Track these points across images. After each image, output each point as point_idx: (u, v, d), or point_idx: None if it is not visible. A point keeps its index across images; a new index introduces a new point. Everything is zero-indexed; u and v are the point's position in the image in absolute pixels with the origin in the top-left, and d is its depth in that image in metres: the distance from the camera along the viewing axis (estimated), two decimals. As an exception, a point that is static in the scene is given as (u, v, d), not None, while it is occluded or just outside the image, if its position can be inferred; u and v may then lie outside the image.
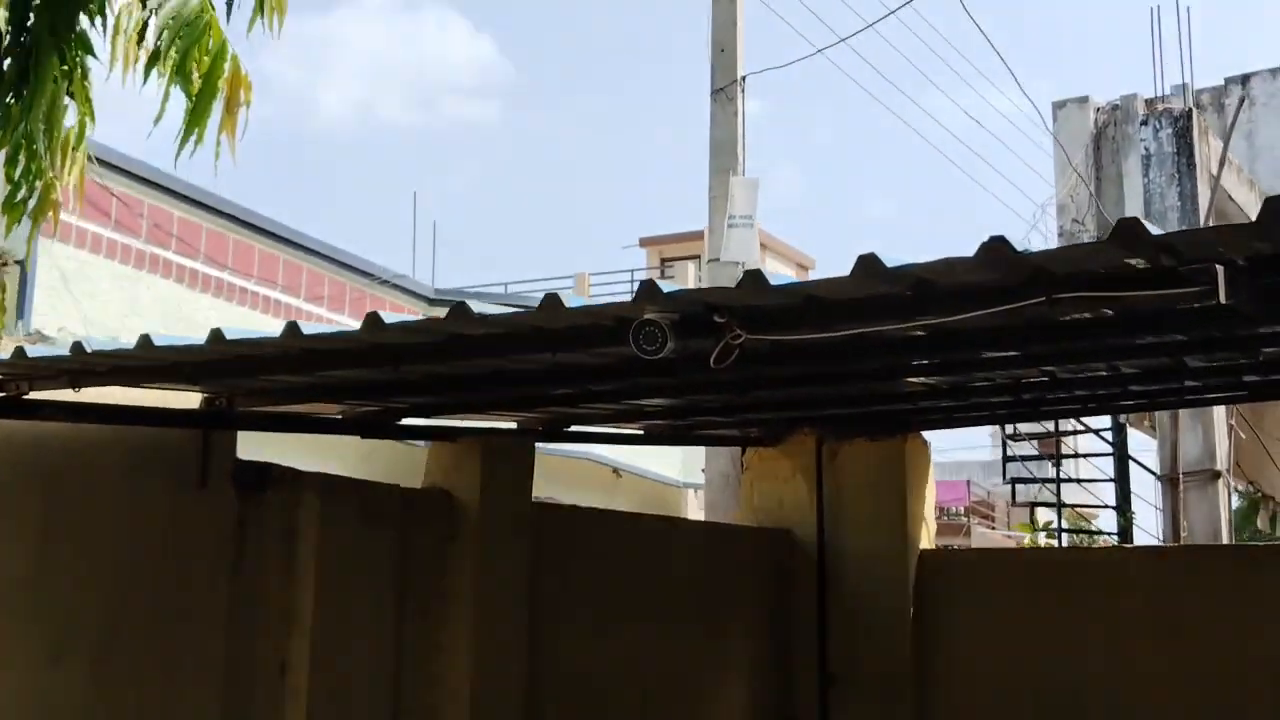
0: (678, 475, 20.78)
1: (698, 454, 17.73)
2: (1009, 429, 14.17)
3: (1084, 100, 14.03)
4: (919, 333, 4.22)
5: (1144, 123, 13.24)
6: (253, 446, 6.17)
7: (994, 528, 34.39)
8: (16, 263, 14.63)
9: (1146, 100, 13.63)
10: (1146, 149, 13.09)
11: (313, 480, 6.08)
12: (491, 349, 4.08)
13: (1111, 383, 6.61)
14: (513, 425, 7.45)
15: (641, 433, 8.22)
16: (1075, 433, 14.02)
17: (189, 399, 5.77)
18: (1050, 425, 13.94)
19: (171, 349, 4.15)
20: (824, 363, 4.75)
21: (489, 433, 7.00)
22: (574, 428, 7.46)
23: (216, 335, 4.00)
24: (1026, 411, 8.85)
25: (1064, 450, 15.00)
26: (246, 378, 4.77)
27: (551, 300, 3.49)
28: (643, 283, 3.38)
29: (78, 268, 15.36)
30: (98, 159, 15.50)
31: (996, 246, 2.94)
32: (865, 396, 6.92)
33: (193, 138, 3.58)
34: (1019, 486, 14.72)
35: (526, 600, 6.88)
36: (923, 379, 6.00)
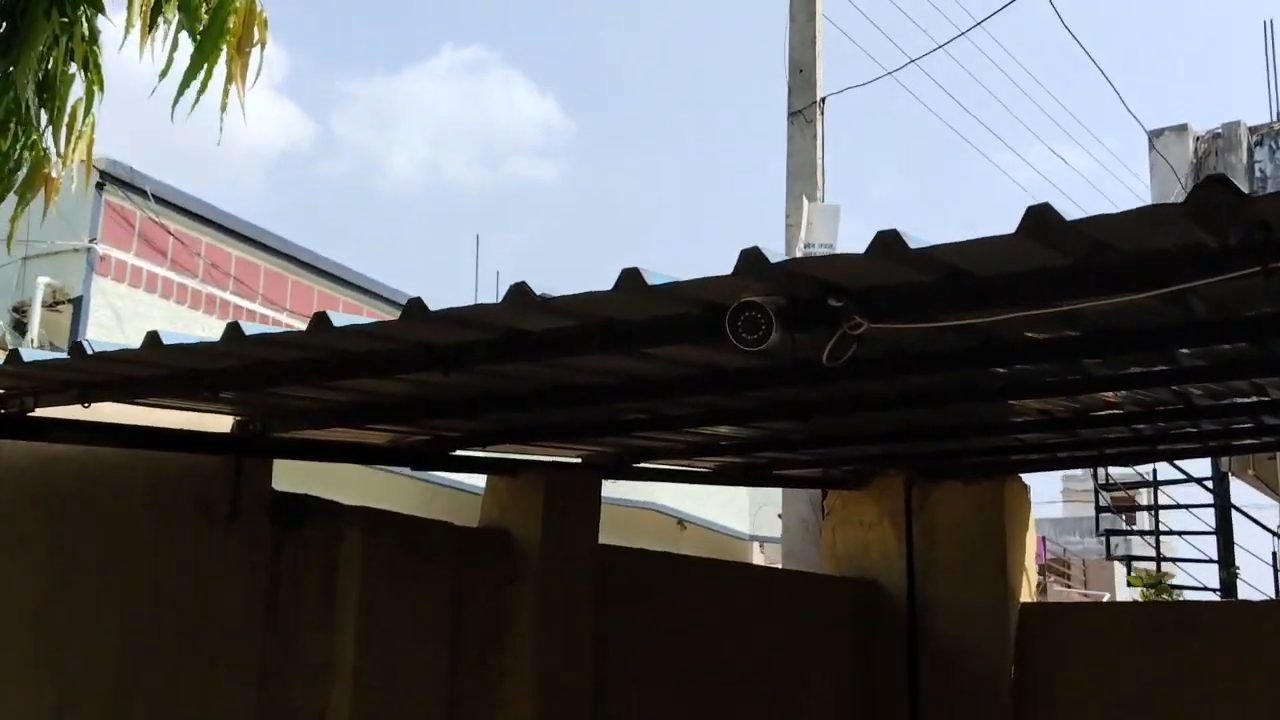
0: (745, 528, 20.04)
1: (768, 505, 17.01)
2: (1101, 477, 13.34)
3: (1183, 129, 13.26)
4: (1072, 332, 3.55)
5: (1259, 144, 12.43)
6: (297, 484, 5.59)
7: (1070, 586, 33.24)
8: (70, 301, 14.31)
9: (1250, 127, 12.84)
10: (1262, 170, 12.29)
11: (356, 514, 5.48)
12: (556, 347, 3.45)
13: (1247, 412, 5.87)
14: (576, 460, 6.82)
15: (712, 470, 7.55)
16: (1173, 481, 13.14)
17: (220, 423, 5.20)
18: (1142, 470, 13.09)
19: (182, 348, 3.56)
20: (943, 369, 4.06)
21: (551, 467, 6.37)
22: (643, 464, 6.80)
23: (233, 331, 3.41)
24: (1141, 451, 8.05)
25: (1148, 502, 14.10)
26: (275, 387, 4.16)
27: (630, 276, 2.86)
28: (744, 251, 2.74)
29: (133, 306, 14.98)
30: (155, 196, 15.21)
31: (1214, 185, 2.27)
32: (966, 427, 6.20)
33: (196, 81, 3.00)
34: (1094, 541, 13.81)
35: (592, 651, 6.21)
36: (1042, 402, 5.29)
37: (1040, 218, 2.46)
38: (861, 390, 4.86)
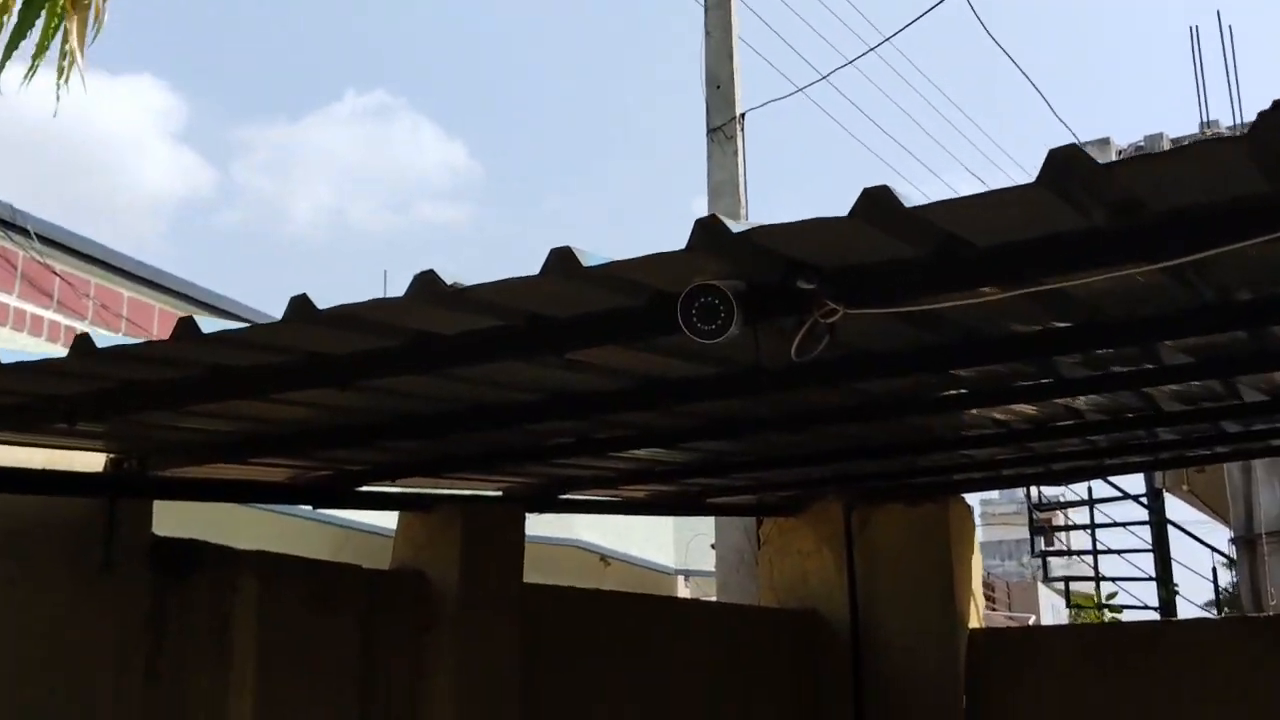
0: (670, 561, 19.53)
1: (698, 536, 16.55)
2: (1035, 496, 13.04)
3: (1105, 142, 13.04)
4: (1061, 323, 3.11)
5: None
6: (186, 528, 4.98)
7: (995, 609, 33.19)
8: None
9: (1173, 139, 12.65)
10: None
11: (250, 560, 4.89)
12: (472, 353, 2.93)
13: (1210, 418, 5.50)
14: (496, 493, 6.28)
15: (643, 500, 7.05)
16: (1109, 499, 12.86)
17: (92, 462, 4.59)
18: (1078, 489, 12.79)
19: (21, 368, 2.98)
20: (908, 368, 3.60)
21: (469, 501, 5.82)
22: (570, 495, 6.28)
23: (83, 345, 2.85)
24: (1088, 466, 7.68)
25: (1080, 521, 13.82)
26: (143, 413, 3.59)
27: (562, 258, 2.36)
28: (699, 221, 2.25)
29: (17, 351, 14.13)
30: (39, 235, 14.40)
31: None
32: (914, 442, 5.76)
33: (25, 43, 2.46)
34: (1013, 564, 13.50)
35: (519, 698, 5.66)
36: (1005, 411, 4.88)
37: (1064, 163, 2.00)
38: (807, 403, 4.40)
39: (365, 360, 2.97)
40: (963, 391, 4.26)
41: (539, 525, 14.15)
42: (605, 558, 18.25)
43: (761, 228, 2.24)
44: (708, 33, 10.24)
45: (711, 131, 10.08)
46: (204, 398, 3.29)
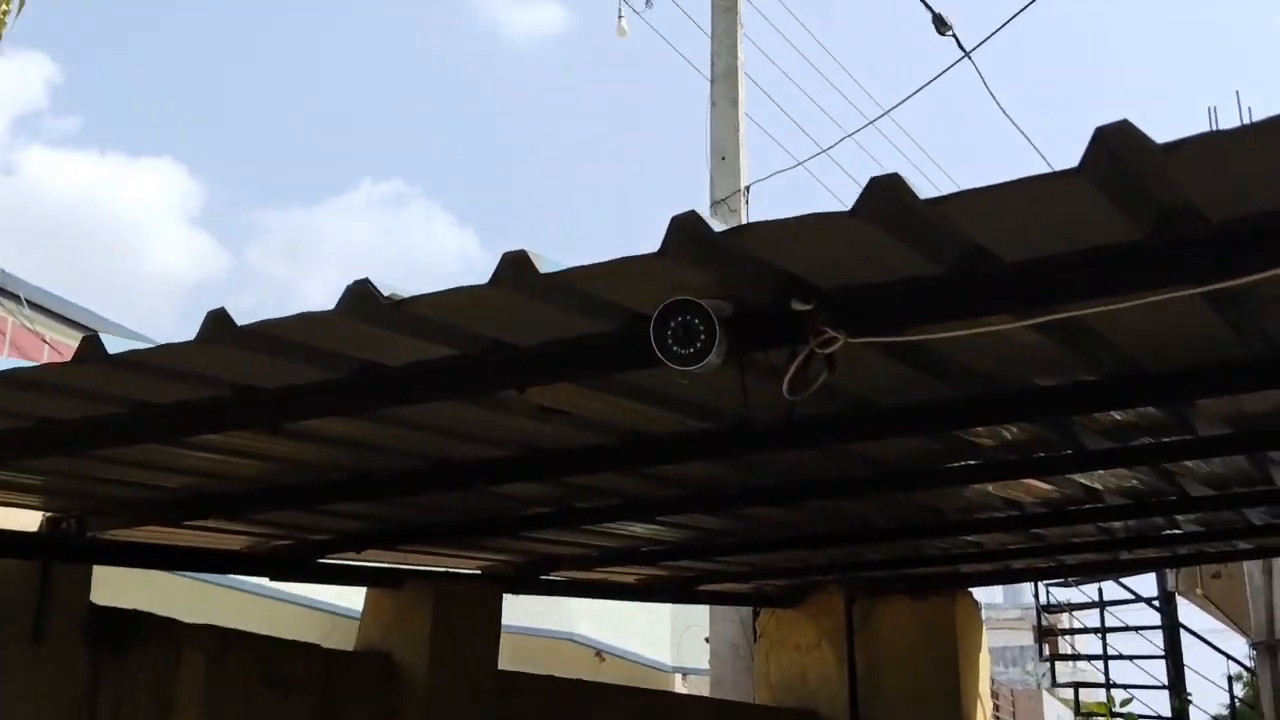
0: (667, 658, 18.96)
1: (692, 628, 16.04)
2: (1045, 597, 12.56)
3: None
4: (1089, 376, 2.75)
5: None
6: (129, 597, 4.60)
7: (1000, 718, 32.36)
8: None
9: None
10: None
11: (198, 634, 4.50)
12: (422, 387, 2.57)
13: (1238, 504, 5.12)
14: (474, 571, 5.88)
15: (633, 585, 6.64)
16: (1119, 602, 12.37)
17: (26, 521, 4.23)
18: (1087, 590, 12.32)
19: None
20: (912, 427, 3.24)
21: (443, 578, 5.43)
22: (552, 575, 5.88)
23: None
24: (1103, 560, 7.24)
25: (1089, 625, 13.31)
26: (61, 457, 3.23)
27: (515, 264, 2.02)
28: (676, 218, 1.92)
29: None
30: (29, 301, 14.14)
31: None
32: (922, 526, 5.37)
33: None
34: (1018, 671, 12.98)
35: (489, 800, 5.22)
36: (1017, 489, 4.50)
37: (1114, 145, 1.67)
38: (801, 472, 4.03)
39: (300, 395, 2.61)
40: (973, 462, 3.89)
41: (532, 617, 13.69)
42: (601, 652, 17.66)
43: (749, 226, 1.91)
44: (713, 103, 10.03)
45: (715, 204, 9.82)
46: (125, 439, 2.93)
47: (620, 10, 11.49)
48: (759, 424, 2.80)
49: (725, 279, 2.09)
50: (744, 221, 9.54)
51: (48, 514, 4.21)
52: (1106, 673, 12.17)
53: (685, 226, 1.91)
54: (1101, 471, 4.21)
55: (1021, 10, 8.55)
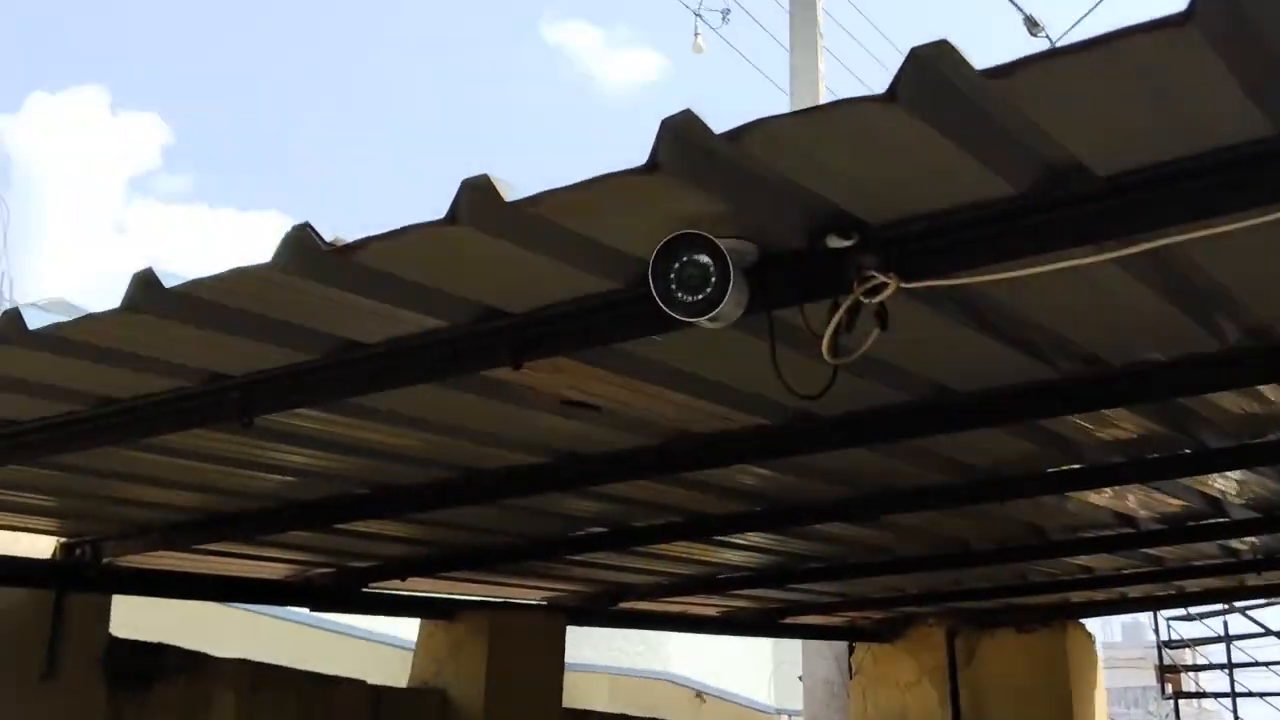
0: (769, 699, 18.34)
1: (785, 663, 15.49)
2: (1166, 633, 11.79)
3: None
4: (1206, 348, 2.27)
5: None
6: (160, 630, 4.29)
7: (1122, 760, 31.04)
8: None
9: None
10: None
11: (230, 669, 4.17)
12: (405, 367, 2.19)
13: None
14: (537, 601, 5.48)
15: (716, 618, 6.20)
16: (1245, 636, 11.55)
17: (39, 546, 3.93)
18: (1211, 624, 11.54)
19: None
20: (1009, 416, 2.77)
21: (500, 609, 5.04)
22: (623, 605, 5.46)
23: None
24: (1227, 587, 6.61)
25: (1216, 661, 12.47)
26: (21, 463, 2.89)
27: (476, 189, 1.63)
28: (666, 120, 1.51)
29: None
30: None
31: None
32: (1027, 548, 4.84)
33: None
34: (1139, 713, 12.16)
35: None
36: (1131, 499, 3.98)
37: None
38: (875, 481, 3.57)
39: (267, 382, 2.24)
40: (1075, 466, 3.40)
41: (630, 657, 13.22)
42: (700, 693, 17.11)
43: (759, 123, 1.47)
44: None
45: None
46: (90, 442, 2.58)
47: (696, 28, 11.18)
48: (815, 419, 2.36)
49: (741, 209, 1.67)
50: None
51: (61, 540, 3.91)
52: (1235, 711, 11.37)
53: (676, 130, 1.50)
54: (1226, 476, 3.69)
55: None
